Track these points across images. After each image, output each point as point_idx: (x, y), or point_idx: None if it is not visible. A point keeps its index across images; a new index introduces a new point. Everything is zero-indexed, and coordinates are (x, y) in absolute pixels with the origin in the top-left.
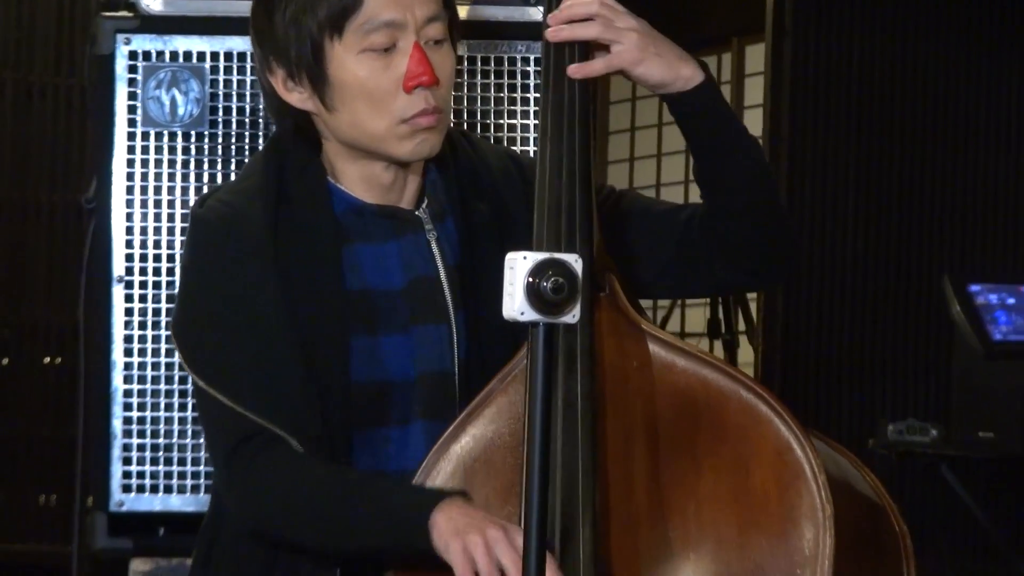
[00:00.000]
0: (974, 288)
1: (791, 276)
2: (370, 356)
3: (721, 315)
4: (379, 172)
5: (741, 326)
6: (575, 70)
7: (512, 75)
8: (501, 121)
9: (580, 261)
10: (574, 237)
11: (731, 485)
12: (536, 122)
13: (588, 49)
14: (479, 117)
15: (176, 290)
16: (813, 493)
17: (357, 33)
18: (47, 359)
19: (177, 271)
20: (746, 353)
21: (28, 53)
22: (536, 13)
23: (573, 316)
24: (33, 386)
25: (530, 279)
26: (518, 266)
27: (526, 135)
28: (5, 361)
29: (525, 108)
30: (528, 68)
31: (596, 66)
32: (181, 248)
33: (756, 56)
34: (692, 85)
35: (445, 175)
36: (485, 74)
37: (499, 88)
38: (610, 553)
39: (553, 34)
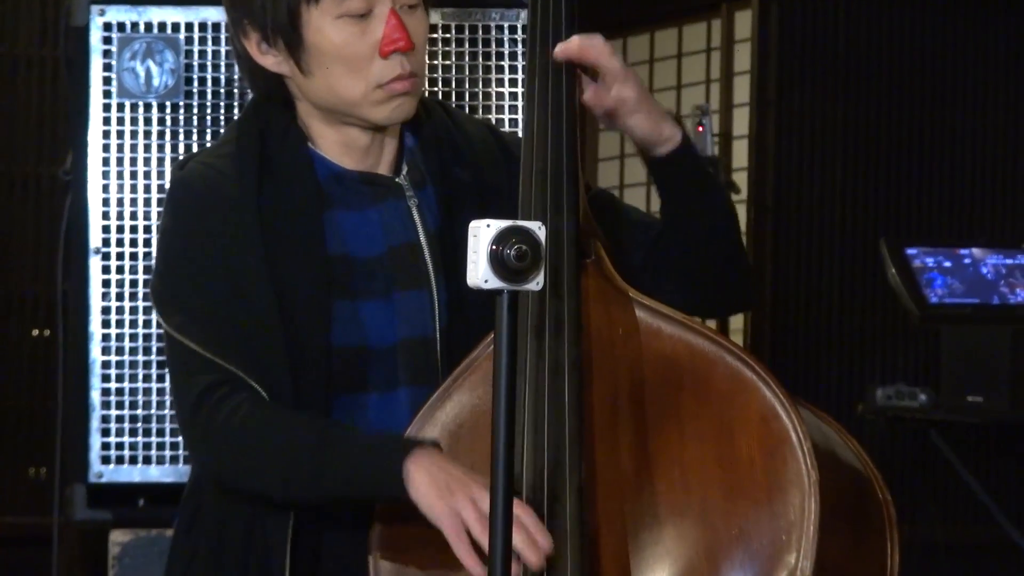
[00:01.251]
0: (911, 251)
1: (742, 311)
2: (351, 321)
3: None
4: (355, 136)
5: None
6: (590, 95)
7: (487, 43)
8: (476, 89)
9: (543, 229)
10: (561, 203)
11: (716, 451)
12: (511, 90)
13: (580, 79)
14: (454, 85)
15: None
16: (798, 459)
17: None
18: (35, 331)
19: (154, 241)
20: (736, 320)
21: (12, 25)
22: None
23: (537, 283)
24: (21, 359)
25: (493, 247)
26: (481, 234)
27: (500, 103)
28: None
29: (500, 76)
30: (502, 36)
31: (607, 98)
32: (158, 219)
33: (745, 22)
34: (672, 146)
35: (423, 142)
36: (460, 42)
37: (473, 56)
38: (597, 519)
39: (569, 50)
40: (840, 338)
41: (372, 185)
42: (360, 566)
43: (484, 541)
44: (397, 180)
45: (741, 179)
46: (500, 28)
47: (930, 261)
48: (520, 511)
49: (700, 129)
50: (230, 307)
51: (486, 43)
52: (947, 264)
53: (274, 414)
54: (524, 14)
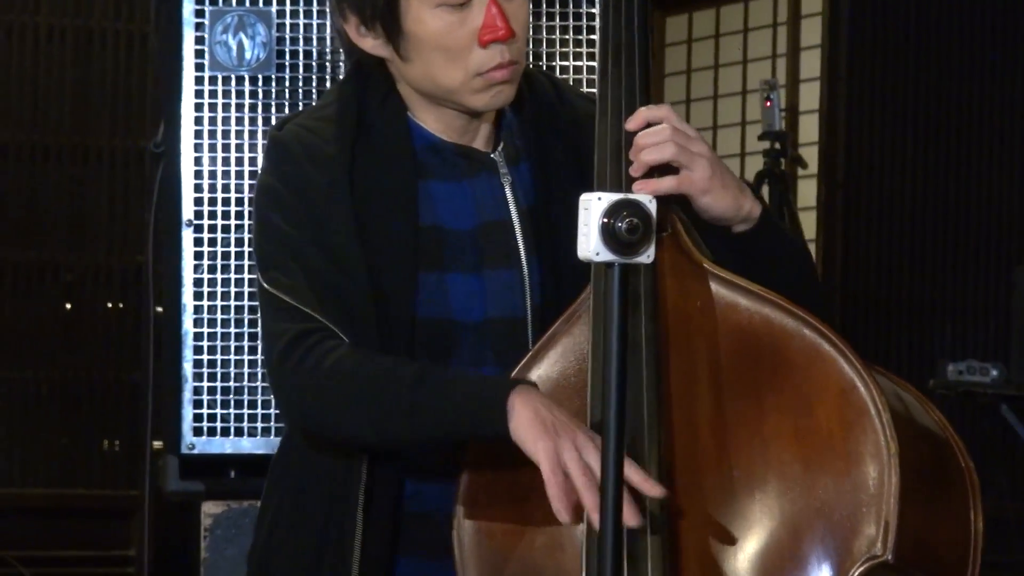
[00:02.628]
0: None
1: None
2: (436, 292)
3: None
4: (452, 117)
5: None
6: (641, 186)
7: (577, 17)
8: (566, 63)
9: (654, 202)
10: (632, 177)
11: (795, 424)
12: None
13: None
14: (544, 59)
15: (245, 232)
16: (877, 431)
17: None
18: (109, 304)
19: (246, 213)
20: None
21: None
22: None
23: (648, 256)
24: (95, 331)
25: (605, 219)
26: (593, 207)
27: (592, 76)
28: (68, 306)
29: (591, 50)
30: (593, 10)
31: (664, 184)
32: (250, 191)
33: None
34: (752, 223)
35: (522, 118)
36: (551, 16)
37: (564, 30)
38: (677, 493)
39: (635, 170)
40: (911, 313)
41: (467, 158)
42: (435, 533)
43: (582, 485)
44: (492, 156)
45: (808, 154)
46: (591, 1)
47: None
48: (628, 468)
49: (768, 104)
50: (322, 265)
51: (576, 17)
52: None
53: (368, 353)
54: None
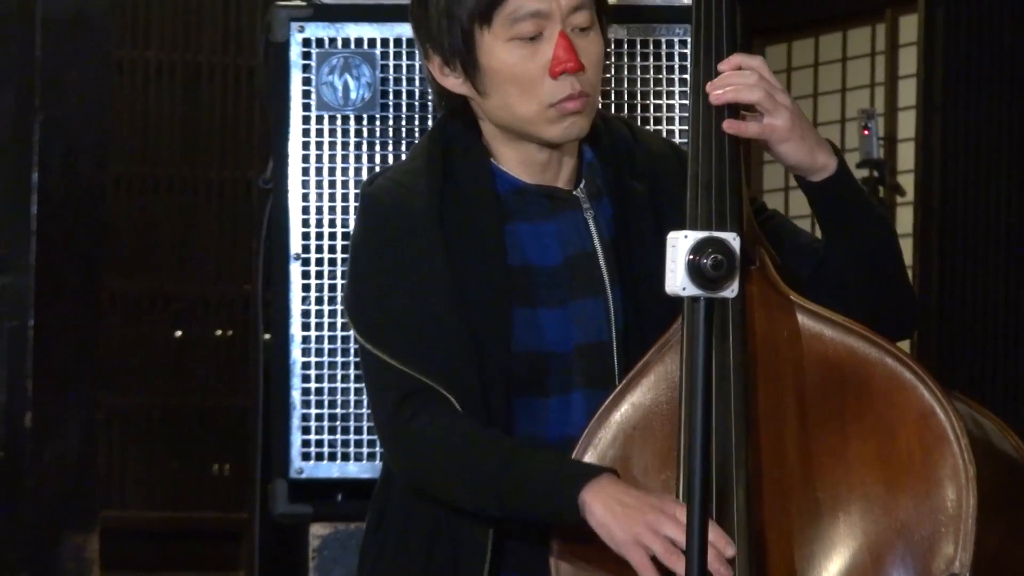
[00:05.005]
0: None
1: (904, 337)
2: (530, 327)
3: None
4: (534, 153)
5: None
6: (729, 125)
7: (670, 57)
8: (660, 101)
9: (738, 239)
10: (724, 212)
11: (877, 449)
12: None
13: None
14: (639, 98)
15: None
16: (956, 455)
17: (505, 23)
18: (218, 331)
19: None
20: None
21: (196, 34)
22: None
23: (732, 291)
24: (205, 358)
25: (691, 256)
26: (680, 244)
27: (684, 114)
28: (178, 334)
29: (683, 89)
30: (685, 51)
31: (750, 128)
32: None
33: (909, 26)
34: (827, 174)
35: (601, 156)
36: (644, 56)
37: (658, 70)
38: (763, 516)
39: (718, 96)
40: (1007, 339)
41: (550, 199)
42: (531, 555)
43: (669, 560)
44: (574, 193)
45: (906, 181)
46: (683, 43)
47: None
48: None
49: (866, 132)
50: (417, 317)
51: (669, 57)
52: None
53: (463, 432)
54: None
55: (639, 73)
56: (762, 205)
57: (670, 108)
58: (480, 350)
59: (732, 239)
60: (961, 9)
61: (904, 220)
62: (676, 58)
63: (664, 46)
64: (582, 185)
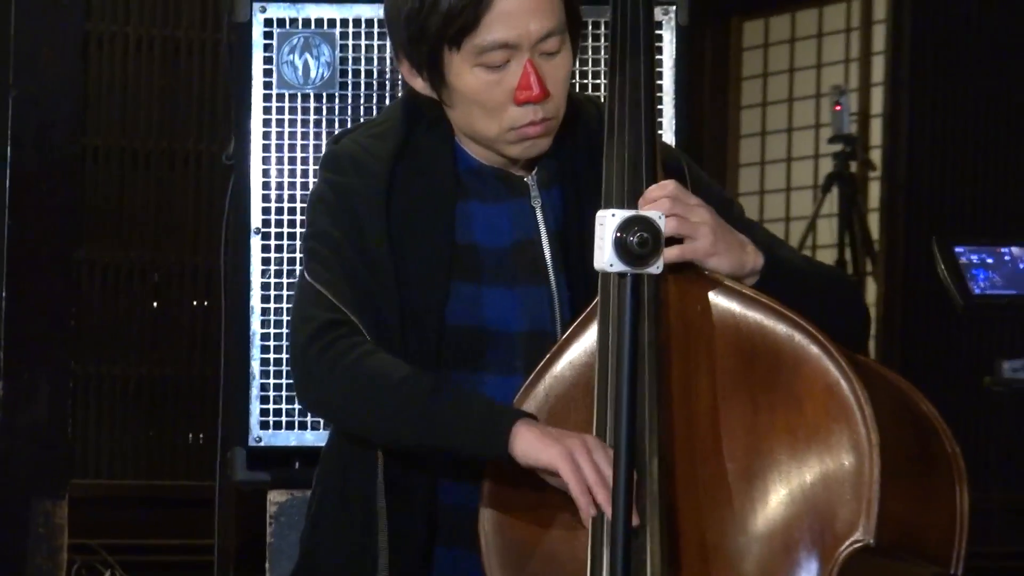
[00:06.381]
0: (959, 249)
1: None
2: (471, 303)
3: (849, 257)
4: (493, 153)
5: (868, 267)
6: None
7: (596, 38)
8: (585, 81)
9: (663, 218)
10: (639, 190)
11: (785, 419)
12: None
13: None
14: (589, 78)
15: None
16: (859, 423)
17: (474, 50)
18: (195, 302)
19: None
20: (871, 293)
21: (175, 10)
22: None
23: (657, 267)
24: (181, 329)
25: (618, 234)
26: (607, 222)
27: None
28: (155, 304)
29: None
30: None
31: (671, 254)
32: None
33: (882, 3)
34: (757, 276)
35: (560, 144)
36: (595, 38)
37: (582, 51)
38: (676, 485)
39: None
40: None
41: (504, 181)
42: (473, 525)
43: (594, 482)
44: (526, 180)
45: (878, 157)
46: (607, 24)
47: (974, 258)
48: None
49: (838, 108)
50: (359, 269)
51: (595, 39)
52: (989, 260)
53: (384, 359)
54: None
55: (590, 54)
56: (740, 210)
57: (595, 88)
58: (412, 317)
59: (657, 218)
60: None
61: (875, 195)
62: (602, 39)
63: (590, 27)
64: (534, 173)
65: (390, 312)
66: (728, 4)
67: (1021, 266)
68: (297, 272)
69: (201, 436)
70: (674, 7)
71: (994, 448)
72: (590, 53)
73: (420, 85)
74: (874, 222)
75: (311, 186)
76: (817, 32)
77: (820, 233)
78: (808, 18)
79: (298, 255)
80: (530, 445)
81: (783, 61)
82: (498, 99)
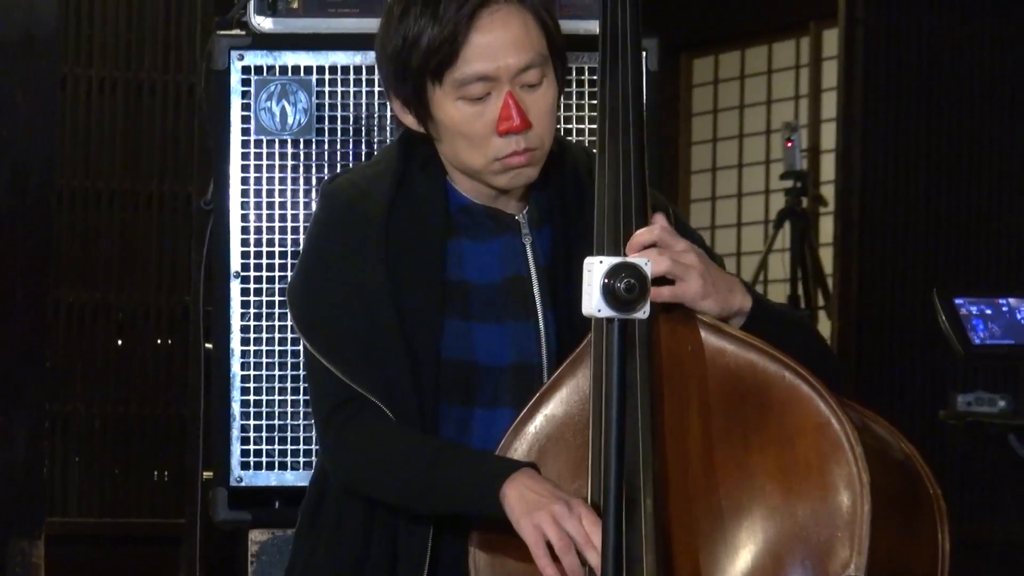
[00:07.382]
0: (959, 301)
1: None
2: (463, 338)
3: (801, 291)
4: (483, 187)
5: (820, 302)
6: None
7: (580, 84)
8: (570, 126)
9: (650, 264)
10: (631, 234)
11: (777, 458)
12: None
13: None
14: (574, 123)
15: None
16: (851, 463)
17: (454, 83)
18: (158, 340)
19: (289, 265)
20: (824, 327)
21: (138, 52)
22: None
23: (644, 312)
24: (145, 367)
25: (606, 280)
26: (595, 268)
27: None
28: (119, 343)
29: (593, 114)
30: (594, 77)
31: (662, 294)
32: (293, 246)
33: (832, 40)
34: (745, 313)
35: (550, 185)
36: (579, 84)
37: (567, 96)
38: (670, 523)
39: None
40: (924, 347)
41: (496, 220)
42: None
43: (559, 549)
44: (517, 218)
45: (829, 192)
46: (592, 70)
47: (974, 309)
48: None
49: (789, 144)
50: (358, 327)
51: (579, 84)
52: (988, 311)
53: (389, 437)
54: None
55: (574, 99)
56: (699, 238)
57: (580, 133)
58: (413, 356)
59: (644, 264)
60: (880, 24)
61: (826, 230)
62: (586, 84)
63: (574, 72)
64: (526, 211)
65: (395, 358)
66: (677, 40)
67: (1018, 316)
68: (277, 314)
69: (166, 473)
70: (645, 52)
71: (948, 481)
72: (574, 99)
73: (410, 121)
74: (827, 257)
75: (290, 230)
76: (767, 68)
77: (772, 268)
78: (758, 54)
79: (278, 298)
80: (510, 508)
81: (733, 98)
82: (481, 131)
